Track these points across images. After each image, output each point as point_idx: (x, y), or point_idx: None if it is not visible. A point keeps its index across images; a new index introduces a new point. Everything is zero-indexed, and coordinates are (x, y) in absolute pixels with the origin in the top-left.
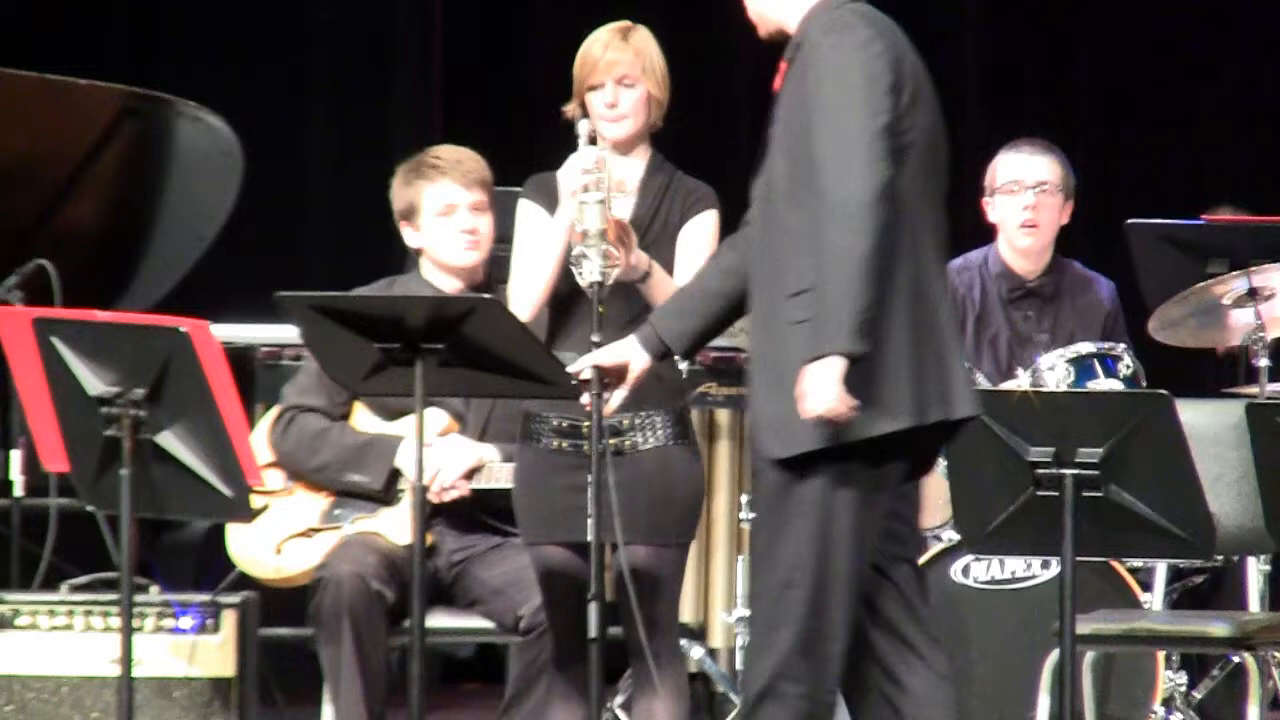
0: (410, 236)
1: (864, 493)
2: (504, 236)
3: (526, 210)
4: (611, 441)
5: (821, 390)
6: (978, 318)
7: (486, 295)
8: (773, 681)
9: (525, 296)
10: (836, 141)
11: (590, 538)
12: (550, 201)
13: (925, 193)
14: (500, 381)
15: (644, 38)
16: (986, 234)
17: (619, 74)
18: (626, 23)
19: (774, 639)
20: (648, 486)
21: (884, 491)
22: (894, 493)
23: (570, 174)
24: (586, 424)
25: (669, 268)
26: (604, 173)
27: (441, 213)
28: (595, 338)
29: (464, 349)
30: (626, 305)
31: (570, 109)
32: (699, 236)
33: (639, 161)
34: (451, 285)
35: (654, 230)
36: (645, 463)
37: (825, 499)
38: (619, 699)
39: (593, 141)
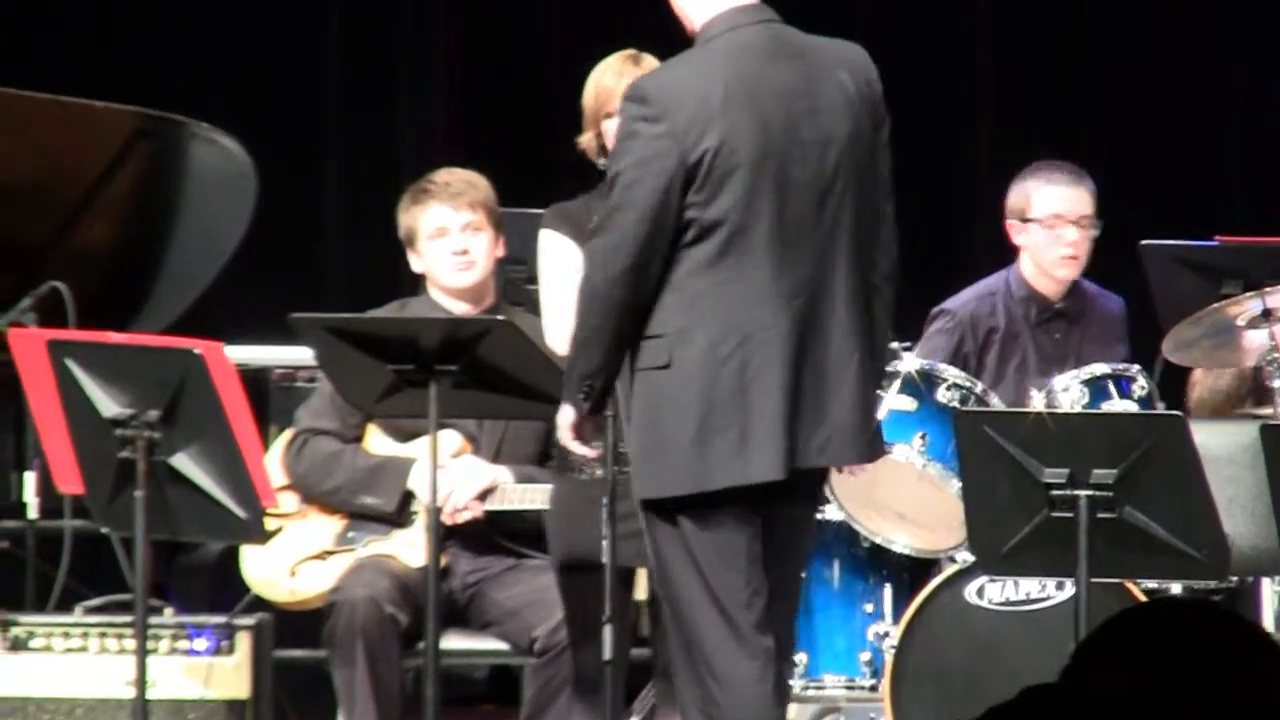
0: (414, 262)
1: (694, 536)
2: (518, 258)
3: (552, 240)
4: None
5: (560, 426)
6: (1002, 343)
7: (500, 318)
8: (679, 687)
9: (564, 332)
10: (602, 220)
11: (607, 558)
12: (574, 230)
13: (764, 253)
14: (515, 403)
15: (652, 63)
16: (995, 251)
17: None
18: (633, 51)
19: (677, 656)
20: None
21: (717, 534)
22: (752, 533)
23: None
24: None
25: None
26: None
27: (433, 236)
28: None
29: (478, 371)
30: None
31: (586, 140)
32: None
33: None
34: (459, 307)
35: None
36: None
37: (668, 538)
38: (636, 718)
39: None
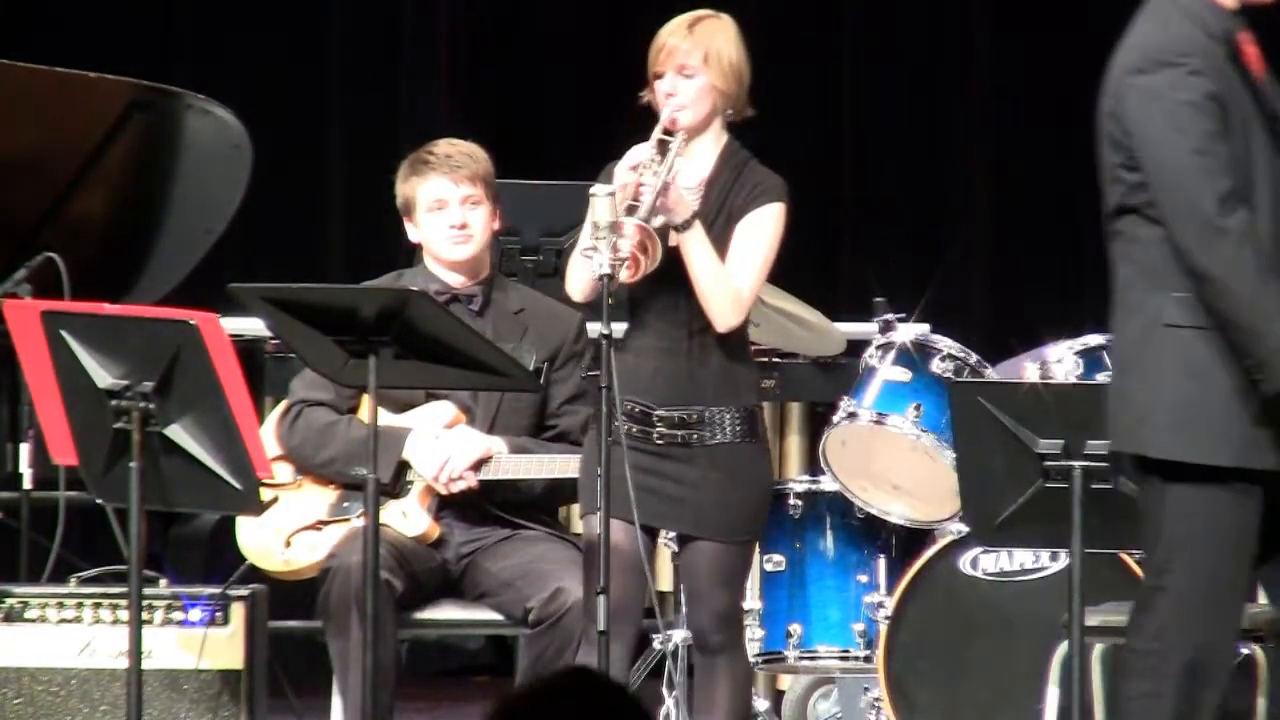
0: (410, 232)
1: None
2: (512, 230)
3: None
4: (678, 433)
5: None
6: None
7: (415, 289)
8: None
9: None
10: None
11: (600, 528)
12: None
13: None
14: (456, 373)
15: (710, 29)
16: (995, 220)
17: (677, 64)
18: (701, 12)
19: None
20: (715, 483)
21: None
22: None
23: (622, 165)
24: (659, 411)
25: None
26: (659, 167)
27: (432, 208)
28: (604, 330)
29: (413, 341)
30: (666, 294)
31: (646, 95)
32: (754, 228)
33: (711, 153)
34: (455, 279)
35: (718, 225)
36: (712, 458)
37: None
38: (678, 690)
39: (667, 134)
